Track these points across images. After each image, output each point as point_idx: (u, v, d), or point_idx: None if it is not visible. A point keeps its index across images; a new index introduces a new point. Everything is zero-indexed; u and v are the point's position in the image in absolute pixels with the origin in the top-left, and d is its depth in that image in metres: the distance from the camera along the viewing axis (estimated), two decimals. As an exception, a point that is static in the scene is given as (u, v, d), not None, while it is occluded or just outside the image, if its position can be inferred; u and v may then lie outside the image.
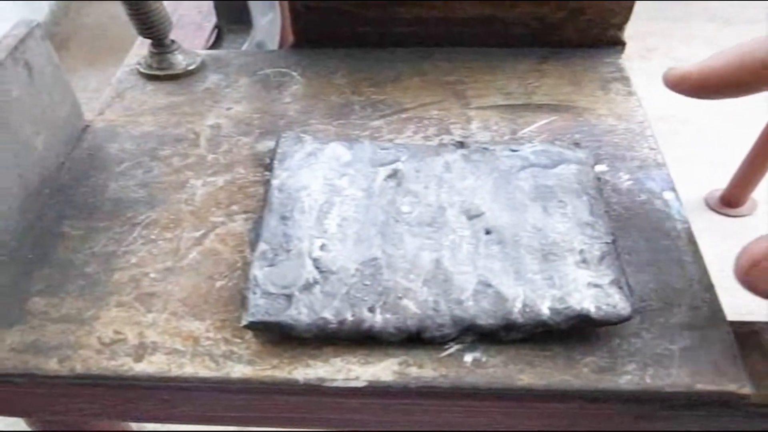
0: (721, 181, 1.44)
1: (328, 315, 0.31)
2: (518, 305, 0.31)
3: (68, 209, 0.39)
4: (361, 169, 0.38)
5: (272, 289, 0.32)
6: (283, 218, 0.35)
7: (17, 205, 0.38)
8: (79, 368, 0.31)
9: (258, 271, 0.32)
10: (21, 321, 0.33)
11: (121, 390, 0.32)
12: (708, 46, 1.96)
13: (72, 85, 0.44)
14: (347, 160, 0.38)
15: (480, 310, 0.31)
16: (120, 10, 0.47)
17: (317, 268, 0.32)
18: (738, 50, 0.30)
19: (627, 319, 0.30)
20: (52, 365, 0.31)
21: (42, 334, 0.32)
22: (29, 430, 0.60)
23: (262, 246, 0.34)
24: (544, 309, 0.30)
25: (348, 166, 0.38)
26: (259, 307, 0.31)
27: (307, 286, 0.32)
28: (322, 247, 0.33)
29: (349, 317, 0.31)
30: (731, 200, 1.44)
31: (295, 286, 0.32)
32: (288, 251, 0.33)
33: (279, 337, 0.31)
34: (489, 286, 0.31)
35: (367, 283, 0.32)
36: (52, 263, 0.36)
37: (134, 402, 0.33)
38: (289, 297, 0.31)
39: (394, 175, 0.37)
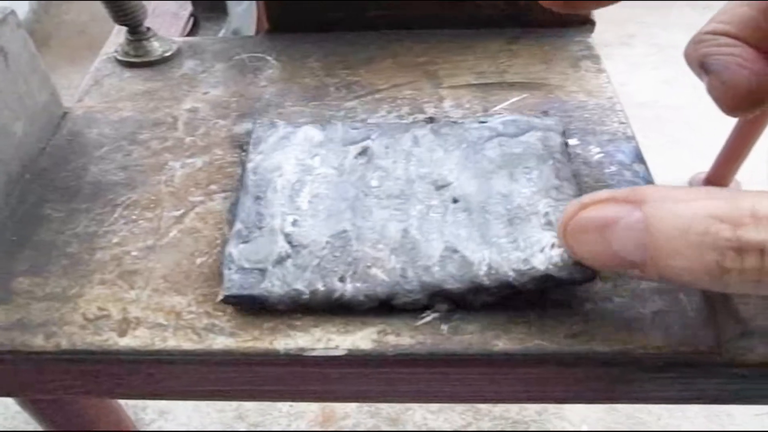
0: (705, 164, 1.46)
1: (300, 286, 0.32)
2: (484, 268, 0.32)
3: (49, 193, 0.39)
4: (332, 149, 0.39)
5: (246, 265, 0.33)
6: (257, 198, 0.36)
7: (-1, 190, 0.38)
8: (65, 344, 0.32)
9: (233, 249, 0.34)
10: (6, 300, 0.33)
11: (106, 365, 0.33)
12: (689, 33, 1.97)
13: (53, 81, 0.44)
14: (319, 141, 0.39)
15: (447, 275, 0.32)
16: (100, 9, 0.48)
17: (289, 242, 0.34)
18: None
19: (592, 277, 0.31)
20: (38, 341, 0.32)
21: (27, 312, 0.33)
22: (32, 429, 0.61)
23: (237, 225, 0.35)
24: (509, 271, 0.31)
25: (320, 146, 0.39)
26: (234, 282, 0.32)
27: (280, 260, 0.33)
28: (294, 223, 0.34)
29: (321, 287, 0.32)
30: (715, 182, 1.45)
31: (268, 261, 0.33)
32: (261, 228, 0.34)
33: (255, 309, 0.32)
34: (455, 251, 0.32)
35: (337, 254, 0.33)
36: (35, 245, 0.36)
37: (120, 377, 0.34)
38: (262, 271, 0.32)
39: (364, 152, 0.38)
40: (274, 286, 0.32)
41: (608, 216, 0.25)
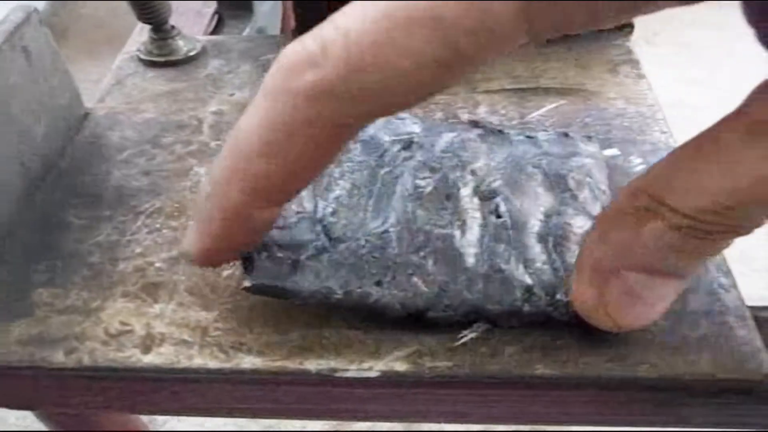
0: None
1: (333, 284, 0.30)
2: (525, 294, 0.30)
3: (71, 198, 0.38)
4: (374, 137, 0.36)
5: (279, 253, 0.31)
6: None
7: (19, 194, 0.37)
8: (86, 360, 0.30)
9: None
10: (26, 313, 0.32)
11: (129, 382, 0.32)
12: (716, 31, 1.95)
13: (71, 75, 0.43)
14: None
15: (488, 295, 0.30)
16: (118, 3, 0.46)
17: (327, 234, 0.32)
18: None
19: None
20: (58, 357, 0.30)
21: (47, 325, 0.32)
22: (44, 429, 0.60)
23: None
24: (548, 299, 0.30)
25: (361, 132, 0.36)
26: (266, 270, 0.30)
27: (316, 253, 0.31)
28: (333, 214, 0.32)
29: (356, 289, 0.30)
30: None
31: (303, 252, 0.31)
32: (297, 213, 0.32)
33: (281, 302, 0.31)
34: (499, 271, 0.31)
35: (377, 255, 0.31)
36: (55, 254, 0.35)
37: (143, 394, 0.33)
38: (295, 262, 0.30)
39: (408, 147, 0.36)
40: (306, 280, 0.30)
41: None
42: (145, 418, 0.99)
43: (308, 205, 0.33)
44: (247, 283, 0.30)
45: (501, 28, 0.20)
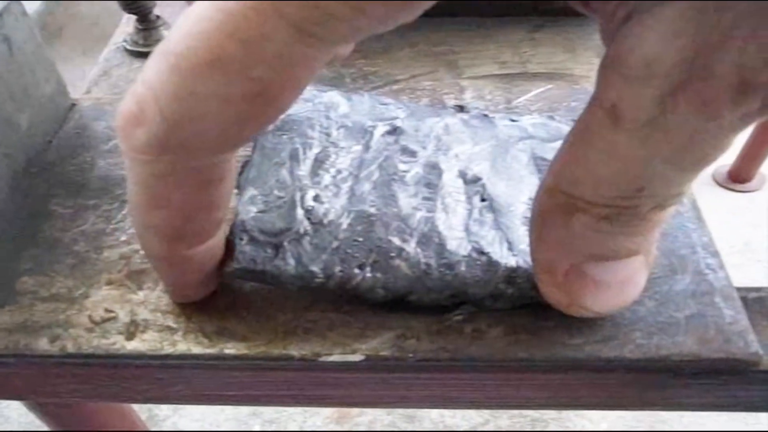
0: (728, 158, 1.43)
1: (315, 268, 0.30)
2: (509, 275, 0.30)
3: (56, 188, 0.38)
4: (358, 122, 0.36)
5: (260, 237, 0.31)
6: (276, 163, 0.33)
7: (4, 184, 0.37)
8: (70, 347, 0.30)
9: (246, 216, 0.31)
10: (10, 301, 0.32)
11: (113, 369, 0.32)
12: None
13: (66, 73, 0.43)
14: (345, 112, 0.36)
15: (471, 278, 0.30)
16: (112, 1, 0.46)
17: (309, 219, 0.31)
18: None
19: None
20: (42, 345, 0.30)
21: (31, 313, 0.32)
22: (44, 429, 0.60)
23: (250, 191, 0.32)
24: (533, 282, 0.29)
25: (345, 117, 0.36)
26: (246, 254, 0.30)
27: (297, 237, 0.31)
28: (316, 198, 0.32)
29: (338, 272, 0.30)
30: (739, 175, 1.43)
31: (285, 236, 0.31)
32: (279, 198, 0.32)
33: (266, 287, 0.31)
34: (482, 253, 0.31)
35: (359, 239, 0.31)
36: (40, 242, 0.35)
37: (128, 381, 0.33)
38: (277, 246, 0.30)
39: (392, 131, 0.36)
40: (288, 264, 0.30)
41: None
42: (144, 416, 0.99)
43: (291, 190, 0.32)
44: (228, 269, 0.30)
45: (279, 47, 0.20)
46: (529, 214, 0.32)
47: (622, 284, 0.26)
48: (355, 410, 1.12)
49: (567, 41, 0.47)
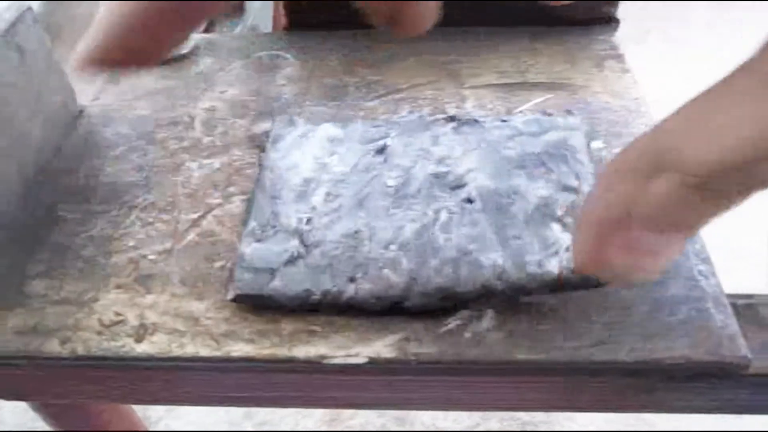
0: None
1: (310, 287, 0.31)
2: (497, 271, 0.31)
3: (65, 194, 0.39)
4: (351, 147, 0.38)
5: (258, 264, 0.32)
6: (273, 197, 0.35)
7: (15, 191, 0.38)
8: (80, 350, 0.31)
9: (246, 248, 0.33)
10: (21, 304, 0.33)
11: (122, 371, 0.32)
12: (706, 29, 1.96)
13: (65, 73, 0.44)
14: (339, 139, 0.39)
15: (459, 278, 0.31)
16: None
17: (302, 242, 0.33)
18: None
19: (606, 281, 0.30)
20: (53, 347, 0.31)
21: (42, 316, 0.32)
22: (43, 429, 0.60)
23: (251, 224, 0.34)
24: (522, 274, 0.31)
25: (339, 144, 0.38)
26: (244, 281, 0.32)
27: (291, 260, 0.32)
28: (308, 222, 0.34)
29: (331, 288, 0.31)
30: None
31: (280, 261, 0.32)
32: (274, 227, 0.34)
33: (268, 309, 0.32)
34: (468, 253, 0.32)
35: (350, 254, 0.33)
36: (50, 247, 0.36)
37: (136, 383, 0.33)
38: (273, 271, 0.32)
39: (382, 150, 0.38)
40: (284, 286, 0.31)
41: None
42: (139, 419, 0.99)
43: (284, 219, 0.34)
44: (230, 295, 0.32)
45: None
46: (517, 211, 0.33)
47: (655, 257, 0.25)
48: (347, 412, 1.12)
49: (566, 51, 0.48)
